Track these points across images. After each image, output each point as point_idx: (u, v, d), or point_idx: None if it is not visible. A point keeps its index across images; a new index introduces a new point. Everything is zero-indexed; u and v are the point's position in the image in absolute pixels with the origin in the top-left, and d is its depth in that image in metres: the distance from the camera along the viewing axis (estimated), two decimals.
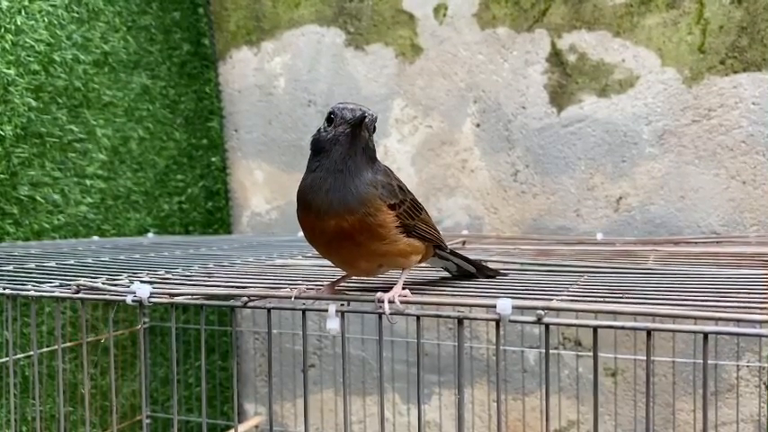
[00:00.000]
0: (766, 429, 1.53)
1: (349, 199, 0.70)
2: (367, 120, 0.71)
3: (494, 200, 1.79)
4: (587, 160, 1.69)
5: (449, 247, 0.86)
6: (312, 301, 0.74)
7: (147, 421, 1.71)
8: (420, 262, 0.82)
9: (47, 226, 1.52)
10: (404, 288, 0.73)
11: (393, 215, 0.72)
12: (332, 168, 0.71)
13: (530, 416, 1.74)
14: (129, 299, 0.76)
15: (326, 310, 0.71)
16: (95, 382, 1.58)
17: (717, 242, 1.43)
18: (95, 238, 1.63)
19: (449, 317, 0.68)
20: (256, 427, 1.93)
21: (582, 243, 1.46)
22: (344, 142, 0.71)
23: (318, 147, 0.73)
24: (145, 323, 1.68)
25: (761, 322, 0.58)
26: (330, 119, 0.72)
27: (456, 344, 1.75)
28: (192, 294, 0.78)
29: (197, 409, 1.88)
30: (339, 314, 0.71)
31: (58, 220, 1.55)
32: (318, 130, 0.74)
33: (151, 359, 1.78)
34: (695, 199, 1.61)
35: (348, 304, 0.73)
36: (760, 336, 0.57)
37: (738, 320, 0.58)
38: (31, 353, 1.39)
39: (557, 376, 1.71)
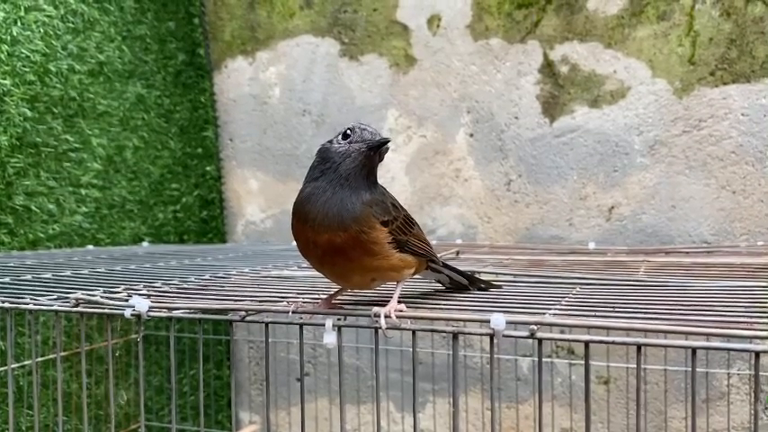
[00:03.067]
0: None
1: (344, 215, 0.71)
2: (385, 146, 0.73)
3: (487, 209, 1.80)
4: (579, 170, 1.71)
5: (441, 260, 0.87)
6: (309, 315, 0.75)
7: (141, 430, 1.71)
8: (413, 275, 0.83)
9: (42, 235, 1.53)
10: (399, 302, 0.74)
11: (386, 231, 0.73)
12: (335, 181, 0.72)
13: (523, 424, 1.75)
14: (127, 313, 0.77)
15: (323, 325, 0.72)
16: (90, 392, 1.58)
17: (707, 252, 1.44)
18: (90, 247, 1.64)
19: (444, 332, 0.69)
20: None
21: (574, 252, 1.48)
22: (356, 159, 0.72)
23: (327, 156, 0.74)
24: (138, 332, 1.68)
25: (750, 338, 0.59)
26: (347, 134, 0.73)
27: (449, 352, 1.77)
28: (190, 308, 0.79)
29: (191, 418, 1.88)
30: (336, 328, 0.72)
31: (53, 229, 1.55)
32: (330, 141, 0.75)
33: (145, 368, 1.78)
34: (686, 208, 1.63)
35: (345, 318, 0.74)
36: (749, 351, 0.59)
37: (728, 336, 0.59)
38: (25, 363, 1.40)
39: (550, 384, 1.72)
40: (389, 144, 0.74)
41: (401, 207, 0.78)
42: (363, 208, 0.72)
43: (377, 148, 0.72)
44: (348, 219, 0.71)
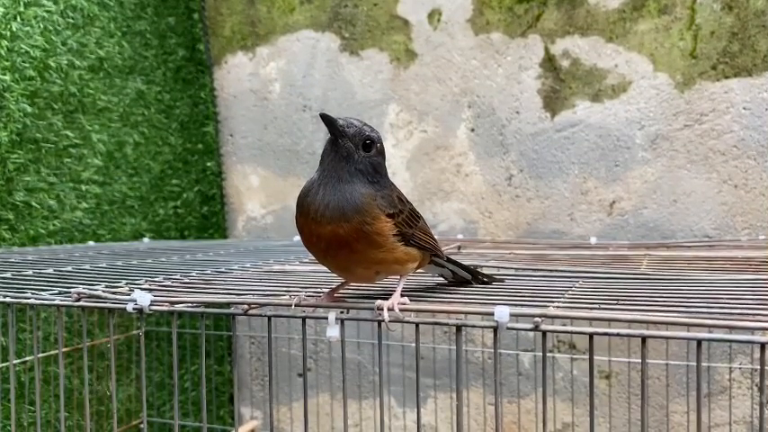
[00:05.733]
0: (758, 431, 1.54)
1: (344, 206, 0.71)
2: (350, 131, 0.73)
3: (488, 204, 1.80)
4: (581, 165, 1.71)
5: (445, 254, 0.87)
6: (312, 308, 0.75)
7: (143, 426, 1.71)
8: (417, 269, 0.83)
9: (42, 231, 1.52)
10: (402, 295, 0.74)
11: (391, 223, 0.73)
12: (326, 175, 0.73)
13: (525, 418, 1.75)
14: (129, 307, 0.77)
15: (326, 318, 0.72)
16: (91, 387, 1.58)
17: (709, 246, 1.44)
18: (91, 243, 1.64)
19: (447, 324, 0.69)
20: (252, 431, 1.93)
21: (576, 247, 1.47)
22: (328, 150, 0.74)
23: (321, 156, 0.76)
24: (140, 327, 1.69)
25: (753, 329, 0.59)
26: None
27: (451, 347, 1.77)
28: (193, 302, 0.78)
29: (192, 414, 1.88)
30: (339, 322, 0.72)
31: (54, 225, 1.55)
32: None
33: (146, 364, 1.78)
34: (687, 203, 1.63)
35: (347, 312, 0.74)
36: (752, 343, 0.58)
37: (731, 328, 0.59)
38: (26, 359, 1.40)
39: (552, 379, 1.72)
40: (356, 127, 0.74)
41: (407, 201, 0.78)
42: (364, 199, 0.72)
43: (336, 133, 0.73)
44: (349, 210, 0.71)
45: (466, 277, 0.91)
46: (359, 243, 0.71)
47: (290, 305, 0.75)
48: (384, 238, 0.72)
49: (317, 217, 0.72)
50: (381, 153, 0.76)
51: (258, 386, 2.05)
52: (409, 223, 0.76)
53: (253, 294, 0.86)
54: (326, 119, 0.72)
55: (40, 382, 1.45)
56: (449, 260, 0.88)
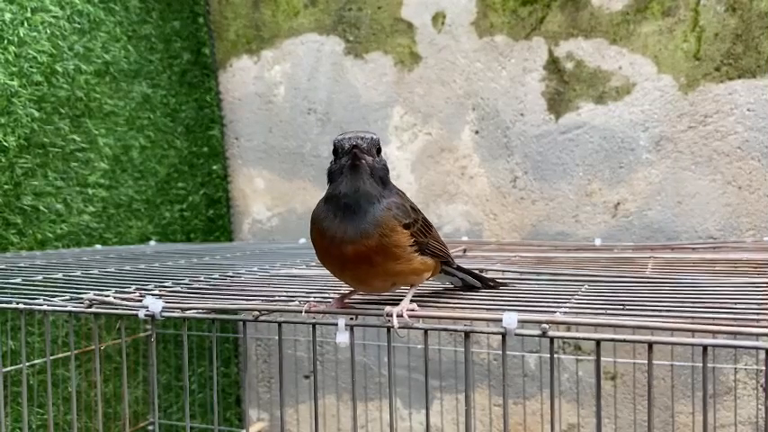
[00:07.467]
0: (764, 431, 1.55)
1: (364, 224, 0.71)
2: (364, 145, 0.72)
3: (493, 206, 1.80)
4: (585, 166, 1.71)
5: (454, 261, 0.88)
6: (321, 314, 0.76)
7: (152, 428, 1.73)
8: (429, 278, 0.83)
9: (50, 235, 1.53)
10: (411, 301, 0.75)
11: (408, 234, 0.73)
12: (344, 195, 0.72)
13: (530, 419, 1.76)
14: (141, 314, 0.77)
15: (335, 324, 0.73)
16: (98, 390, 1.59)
17: (713, 248, 1.45)
18: (98, 246, 1.65)
19: (455, 330, 0.69)
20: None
21: (581, 249, 1.48)
22: (349, 171, 0.72)
23: (331, 178, 0.75)
24: (147, 330, 1.70)
25: (758, 335, 0.60)
26: (336, 151, 0.74)
27: (457, 349, 1.78)
28: (204, 308, 0.79)
29: (199, 416, 1.89)
30: (348, 328, 0.72)
31: (61, 229, 1.56)
32: (330, 163, 0.76)
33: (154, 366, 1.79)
34: (692, 204, 1.63)
35: (357, 318, 0.75)
36: (757, 348, 0.59)
37: (736, 334, 0.60)
38: (36, 362, 1.41)
39: (557, 380, 1.73)
40: (367, 137, 0.73)
41: (418, 210, 0.78)
42: (383, 211, 0.72)
43: (356, 154, 0.72)
44: (369, 226, 0.71)
45: (474, 284, 0.92)
46: (378, 256, 0.71)
47: (301, 312, 0.76)
48: (402, 250, 0.73)
49: (335, 240, 0.71)
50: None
51: (264, 388, 2.06)
52: (424, 232, 0.76)
53: (262, 300, 0.87)
54: (350, 150, 0.71)
55: (48, 384, 1.46)
56: (459, 268, 0.89)
